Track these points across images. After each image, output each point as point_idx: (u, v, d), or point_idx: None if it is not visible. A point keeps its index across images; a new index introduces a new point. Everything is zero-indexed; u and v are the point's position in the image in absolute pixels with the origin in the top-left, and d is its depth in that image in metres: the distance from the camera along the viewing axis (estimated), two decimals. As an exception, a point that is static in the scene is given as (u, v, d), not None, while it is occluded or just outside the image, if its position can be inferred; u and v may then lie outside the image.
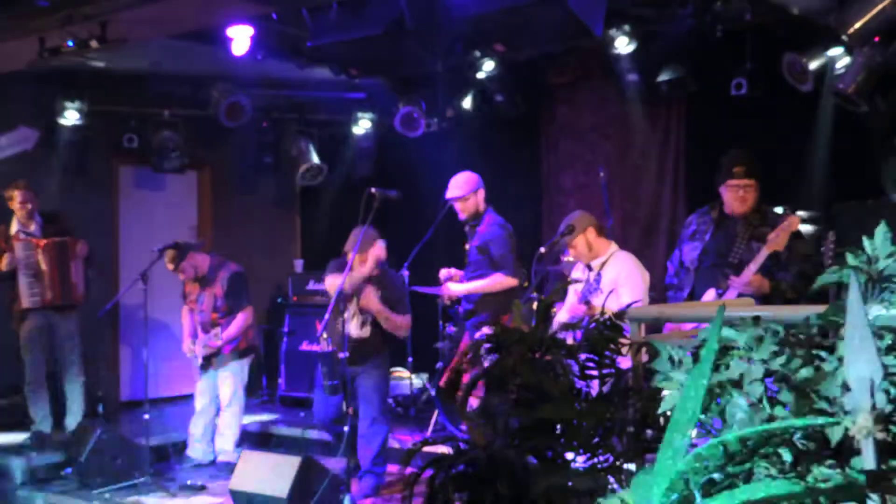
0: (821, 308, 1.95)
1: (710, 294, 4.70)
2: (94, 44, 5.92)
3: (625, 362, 2.65)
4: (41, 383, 6.95)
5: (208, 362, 6.54)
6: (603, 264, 5.21)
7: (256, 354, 7.14)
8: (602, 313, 2.65)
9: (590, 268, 5.33)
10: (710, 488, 1.68)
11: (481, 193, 6.01)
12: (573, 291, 5.41)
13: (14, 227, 6.91)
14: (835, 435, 1.70)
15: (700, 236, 4.93)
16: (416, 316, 7.83)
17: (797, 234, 4.69)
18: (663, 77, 7.03)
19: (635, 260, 5.32)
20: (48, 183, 7.77)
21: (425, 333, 7.82)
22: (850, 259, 1.89)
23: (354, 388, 5.74)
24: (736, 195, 4.79)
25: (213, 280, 6.60)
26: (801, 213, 4.88)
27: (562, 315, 5.39)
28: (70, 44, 6.01)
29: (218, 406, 6.62)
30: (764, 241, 4.59)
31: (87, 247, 7.05)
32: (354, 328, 5.82)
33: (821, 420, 1.73)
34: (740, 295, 4.54)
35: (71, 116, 7.94)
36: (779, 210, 4.96)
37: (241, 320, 6.54)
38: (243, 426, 7.38)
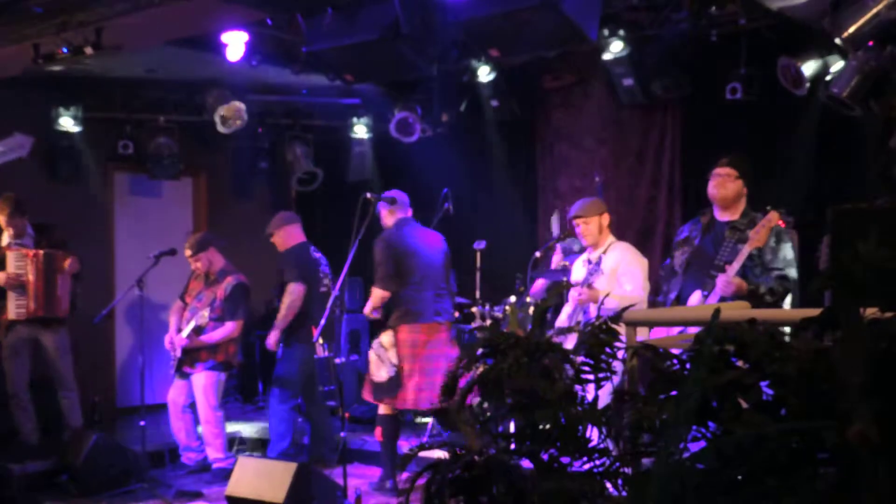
0: (816, 311, 1.95)
1: (695, 296, 4.74)
2: (88, 50, 5.90)
3: (620, 367, 2.65)
4: (23, 396, 6.79)
5: (181, 364, 6.49)
6: (602, 254, 5.33)
7: (238, 369, 7.11)
8: (600, 313, 2.65)
9: (589, 262, 5.41)
10: (705, 492, 1.68)
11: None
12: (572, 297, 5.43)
13: (5, 239, 6.79)
14: (831, 438, 1.70)
15: (690, 241, 4.99)
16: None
17: (781, 235, 4.71)
18: (658, 82, 7.04)
19: (634, 249, 5.44)
20: (43, 190, 7.77)
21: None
22: (846, 263, 1.89)
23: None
24: (714, 182, 4.91)
25: (219, 282, 6.57)
26: (789, 218, 4.88)
27: (562, 320, 5.42)
28: (65, 50, 5.99)
29: (194, 412, 6.57)
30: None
31: (77, 263, 6.86)
32: None
33: (817, 423, 1.73)
34: (722, 297, 4.57)
35: (66, 123, 7.95)
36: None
37: (227, 329, 6.49)
38: (238, 432, 7.38)
